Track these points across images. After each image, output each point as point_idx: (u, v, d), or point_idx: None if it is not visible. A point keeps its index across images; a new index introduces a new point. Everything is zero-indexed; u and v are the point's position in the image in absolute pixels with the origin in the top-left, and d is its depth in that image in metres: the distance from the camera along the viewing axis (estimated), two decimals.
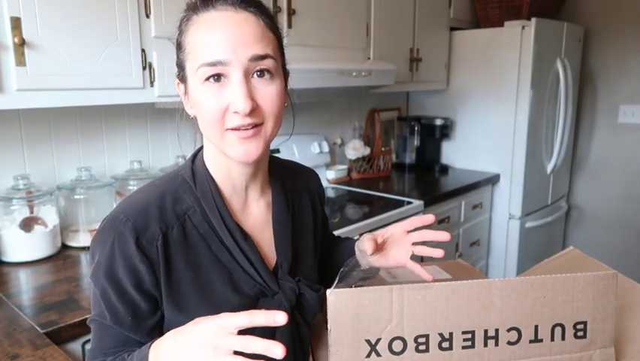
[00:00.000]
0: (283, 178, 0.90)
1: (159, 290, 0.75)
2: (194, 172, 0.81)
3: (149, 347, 0.69)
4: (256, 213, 0.85)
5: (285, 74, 0.81)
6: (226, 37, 0.70)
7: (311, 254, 0.92)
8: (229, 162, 0.79)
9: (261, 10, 0.75)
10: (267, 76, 0.73)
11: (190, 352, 0.61)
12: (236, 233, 0.78)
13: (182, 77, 0.78)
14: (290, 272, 0.84)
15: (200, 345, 0.60)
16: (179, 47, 0.77)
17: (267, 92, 0.73)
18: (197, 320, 0.63)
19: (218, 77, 0.71)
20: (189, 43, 0.74)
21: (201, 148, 0.84)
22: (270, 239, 0.85)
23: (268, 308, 0.78)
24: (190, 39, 0.74)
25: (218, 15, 0.72)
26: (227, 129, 0.73)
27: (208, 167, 0.81)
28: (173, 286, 0.75)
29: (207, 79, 0.71)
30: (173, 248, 0.75)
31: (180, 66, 0.77)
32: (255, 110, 0.72)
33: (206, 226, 0.78)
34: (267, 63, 0.73)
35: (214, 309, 0.75)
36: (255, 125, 0.73)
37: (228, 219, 0.78)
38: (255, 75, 0.72)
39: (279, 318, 0.58)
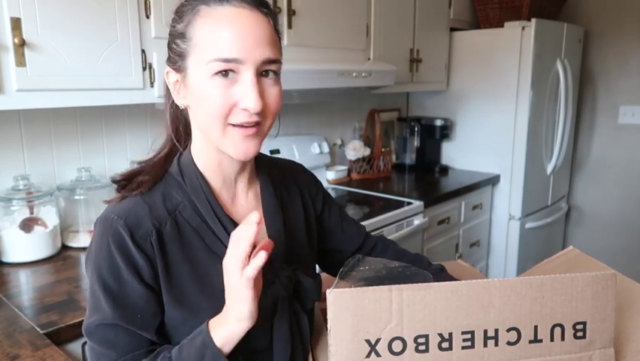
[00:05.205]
0: (270, 171, 0.91)
1: (159, 285, 0.75)
2: (182, 168, 0.81)
3: (207, 328, 0.71)
4: (245, 205, 0.85)
5: None
6: (243, 36, 0.71)
7: (305, 244, 0.92)
8: (220, 156, 0.79)
9: (271, 13, 0.76)
10: (272, 76, 0.75)
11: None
12: (228, 225, 0.79)
13: (179, 67, 0.76)
14: (285, 261, 0.84)
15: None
16: (181, 36, 0.74)
17: (273, 92, 0.75)
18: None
19: (226, 72, 0.72)
20: (197, 34, 0.72)
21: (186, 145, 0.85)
22: (262, 230, 0.85)
23: (266, 298, 0.77)
24: (199, 30, 0.72)
25: (233, 11, 0.72)
26: (230, 124, 0.73)
27: (196, 161, 0.81)
28: (172, 281, 0.75)
29: (216, 73, 0.71)
30: (168, 243, 0.75)
31: (180, 55, 0.75)
32: (262, 109, 0.73)
33: (198, 219, 0.78)
34: (276, 66, 0.75)
35: (215, 301, 0.75)
36: (257, 123, 0.74)
37: (220, 212, 0.79)
38: (261, 74, 0.74)
39: (252, 218, 0.66)
